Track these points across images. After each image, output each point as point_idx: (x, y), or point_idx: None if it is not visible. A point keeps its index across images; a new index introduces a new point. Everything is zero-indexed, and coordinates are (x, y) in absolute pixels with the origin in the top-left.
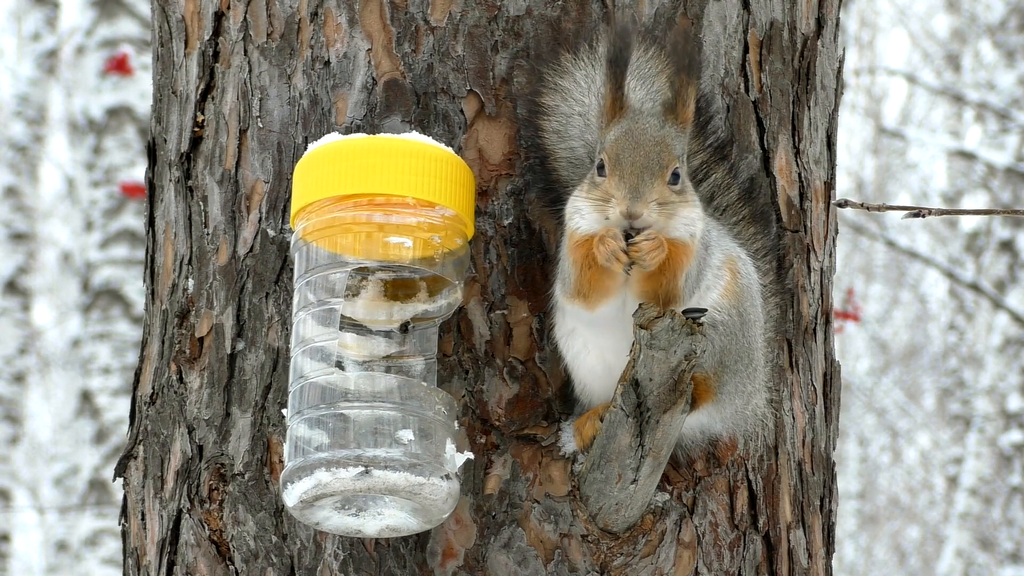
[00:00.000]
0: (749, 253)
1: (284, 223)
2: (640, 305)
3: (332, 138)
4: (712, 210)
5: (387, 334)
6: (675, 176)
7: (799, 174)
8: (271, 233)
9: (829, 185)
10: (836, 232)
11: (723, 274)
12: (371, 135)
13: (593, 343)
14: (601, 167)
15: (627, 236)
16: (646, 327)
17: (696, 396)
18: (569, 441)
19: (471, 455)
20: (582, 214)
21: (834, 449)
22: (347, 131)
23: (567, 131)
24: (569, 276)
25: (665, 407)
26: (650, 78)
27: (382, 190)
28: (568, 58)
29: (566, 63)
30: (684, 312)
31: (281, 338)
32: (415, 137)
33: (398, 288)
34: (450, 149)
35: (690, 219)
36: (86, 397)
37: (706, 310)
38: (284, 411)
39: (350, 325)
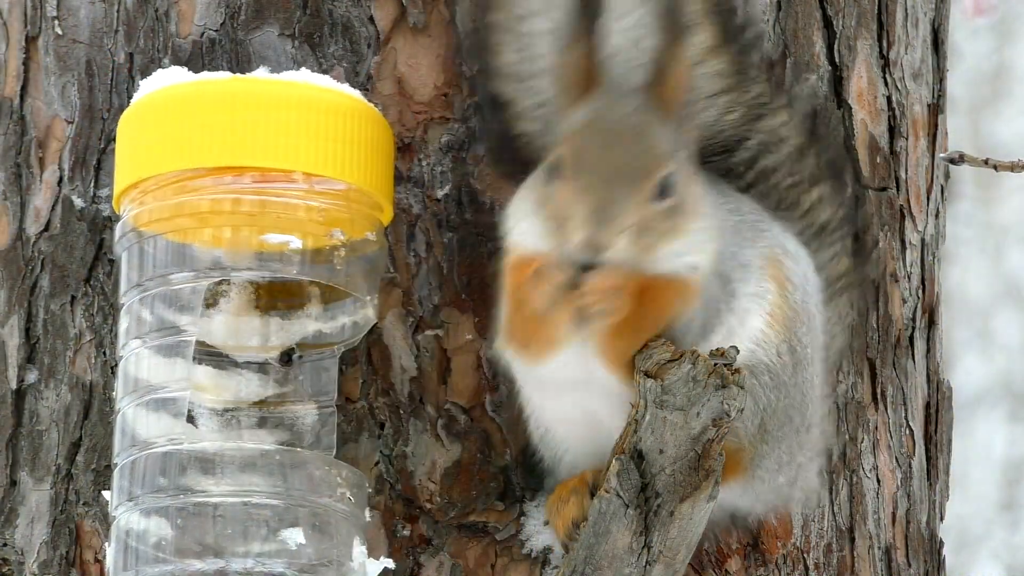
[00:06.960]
0: (800, 238)
1: (99, 189)
2: (647, 343)
3: (174, 76)
4: (754, 175)
5: (260, 367)
6: (664, 187)
7: (888, 98)
8: (78, 203)
9: (936, 109)
10: (946, 179)
11: (766, 287)
12: (237, 74)
13: (539, 407)
14: (556, 167)
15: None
16: (655, 375)
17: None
18: (537, 532)
19: (390, 562)
20: (530, 220)
21: (941, 521)
22: (196, 48)
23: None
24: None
25: (684, 493)
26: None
27: (255, 162)
28: None
29: None
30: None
31: (96, 368)
32: (304, 77)
33: (276, 296)
34: (357, 93)
35: (690, 246)
36: None
37: (738, 349)
38: (106, 493)
39: (204, 354)
